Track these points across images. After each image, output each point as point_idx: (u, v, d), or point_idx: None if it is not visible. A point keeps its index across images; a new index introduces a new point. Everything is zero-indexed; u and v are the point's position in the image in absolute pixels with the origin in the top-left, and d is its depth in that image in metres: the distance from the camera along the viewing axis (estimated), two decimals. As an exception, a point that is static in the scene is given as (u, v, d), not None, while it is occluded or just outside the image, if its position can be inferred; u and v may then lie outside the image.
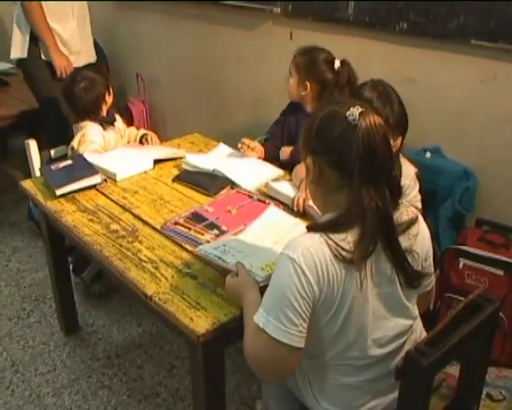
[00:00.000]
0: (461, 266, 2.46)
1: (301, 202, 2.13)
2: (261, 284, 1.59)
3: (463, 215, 2.63)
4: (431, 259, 1.56)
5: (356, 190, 1.35)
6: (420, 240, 1.49)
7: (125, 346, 2.76)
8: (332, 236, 1.34)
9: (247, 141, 2.66)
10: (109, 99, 2.86)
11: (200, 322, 1.59)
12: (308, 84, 2.57)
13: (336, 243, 1.33)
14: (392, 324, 1.47)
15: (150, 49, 4.28)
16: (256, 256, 1.73)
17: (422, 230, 1.51)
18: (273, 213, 2.11)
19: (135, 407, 2.41)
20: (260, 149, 2.69)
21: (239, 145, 2.68)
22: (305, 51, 2.62)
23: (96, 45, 4.35)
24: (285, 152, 2.69)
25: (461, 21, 2.48)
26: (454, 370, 1.66)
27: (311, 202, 2.10)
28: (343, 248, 1.33)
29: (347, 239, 1.34)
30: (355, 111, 1.34)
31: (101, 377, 2.57)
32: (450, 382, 1.68)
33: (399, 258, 1.41)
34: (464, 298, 1.52)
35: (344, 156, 1.35)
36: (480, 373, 1.62)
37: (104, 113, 2.85)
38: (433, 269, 1.59)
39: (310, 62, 2.59)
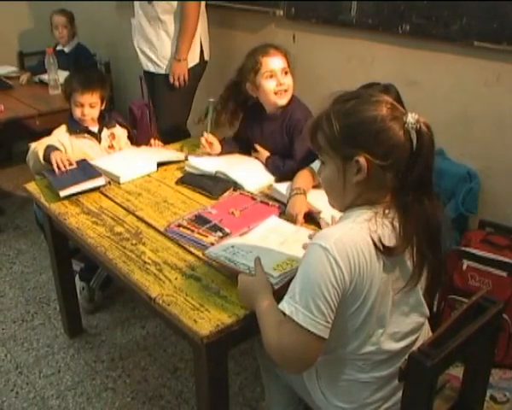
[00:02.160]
0: (464, 267, 2.46)
1: (301, 218, 2.09)
2: (276, 287, 1.60)
3: (466, 217, 2.62)
4: None
5: (406, 192, 1.37)
6: None
7: (129, 348, 2.76)
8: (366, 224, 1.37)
9: (210, 138, 2.68)
10: (83, 101, 2.77)
11: (203, 324, 1.59)
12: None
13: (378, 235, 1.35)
14: (408, 320, 1.49)
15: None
16: (266, 256, 1.73)
17: None
18: (274, 221, 2.10)
19: (139, 409, 2.42)
20: (218, 148, 2.71)
21: (202, 141, 2.69)
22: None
23: (84, 49, 4.41)
24: (261, 155, 2.65)
25: (464, 23, 2.48)
26: (458, 371, 1.66)
27: (322, 215, 2.09)
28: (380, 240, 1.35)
29: (377, 232, 1.36)
30: (414, 117, 1.36)
31: (105, 379, 2.58)
32: (454, 383, 1.68)
33: (438, 257, 1.44)
34: (468, 300, 1.52)
35: (403, 162, 1.36)
36: (483, 375, 1.62)
37: (79, 115, 2.78)
38: None
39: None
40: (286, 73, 2.51)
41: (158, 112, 3.57)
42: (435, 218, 1.41)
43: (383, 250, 1.35)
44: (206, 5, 3.42)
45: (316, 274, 1.33)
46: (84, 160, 2.59)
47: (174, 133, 3.23)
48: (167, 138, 3.10)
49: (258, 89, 2.55)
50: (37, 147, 2.61)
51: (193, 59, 3.36)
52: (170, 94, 3.39)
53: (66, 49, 4.34)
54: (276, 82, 2.50)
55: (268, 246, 1.86)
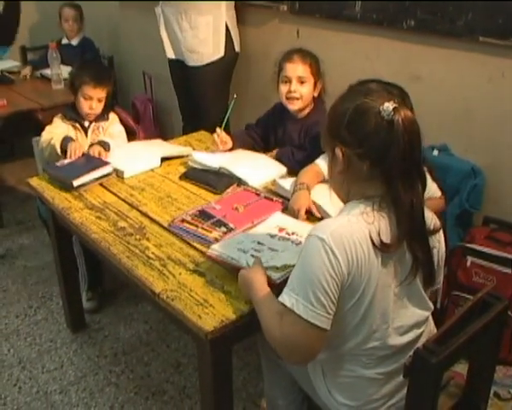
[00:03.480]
0: (468, 264, 2.45)
1: (303, 213, 2.10)
2: (277, 281, 1.62)
3: (471, 213, 2.62)
4: (441, 265, 1.59)
5: (390, 183, 1.37)
6: (442, 246, 1.54)
7: (132, 343, 2.76)
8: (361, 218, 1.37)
9: (222, 135, 2.67)
10: (93, 94, 2.79)
11: (208, 319, 1.59)
12: (319, 84, 2.60)
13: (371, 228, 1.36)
14: (409, 313, 1.49)
15: (157, 47, 4.28)
16: (271, 258, 1.75)
17: (441, 236, 1.55)
18: (278, 217, 2.10)
19: (142, 405, 2.41)
20: (230, 145, 2.70)
21: (215, 137, 2.67)
22: (309, 53, 2.60)
23: (90, 43, 4.42)
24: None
25: (469, 19, 2.47)
26: (462, 368, 1.66)
27: (323, 206, 2.09)
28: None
29: (374, 224, 1.36)
30: (389, 106, 1.34)
31: (108, 374, 2.58)
32: (458, 380, 1.68)
33: (425, 253, 1.43)
34: (472, 296, 1.52)
35: (377, 150, 1.36)
36: (488, 372, 1.61)
37: (86, 109, 2.80)
38: (442, 276, 1.62)
39: (317, 62, 2.60)
40: (302, 82, 2.54)
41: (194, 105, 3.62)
42: (420, 212, 1.41)
43: (380, 247, 1.36)
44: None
45: (313, 265, 1.34)
46: (84, 153, 2.61)
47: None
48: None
49: (278, 90, 2.62)
50: (54, 139, 2.67)
51: (217, 52, 3.38)
52: (203, 86, 3.46)
53: (74, 43, 4.34)
54: (288, 88, 2.55)
55: (271, 247, 1.86)
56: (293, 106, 2.58)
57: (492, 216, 2.59)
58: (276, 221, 2.05)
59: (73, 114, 2.84)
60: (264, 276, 1.59)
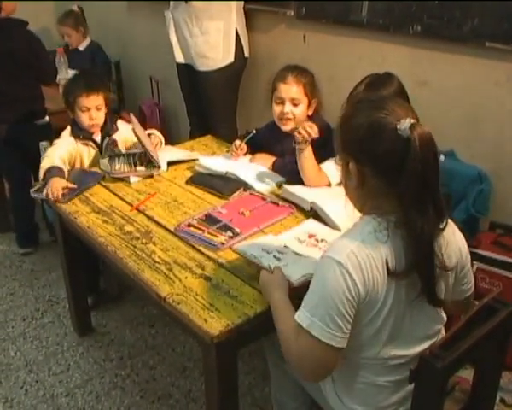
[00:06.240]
0: (474, 269, 2.44)
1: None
2: (295, 284, 1.63)
3: (477, 218, 2.61)
4: (468, 267, 1.57)
5: (403, 205, 1.33)
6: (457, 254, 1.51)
7: (138, 347, 2.77)
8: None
9: (238, 143, 2.66)
10: (89, 104, 2.68)
11: (213, 323, 1.60)
12: (314, 103, 2.56)
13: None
14: (422, 325, 1.48)
15: (164, 52, 4.30)
16: (294, 261, 1.77)
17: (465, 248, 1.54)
18: (312, 224, 2.09)
19: (147, 408, 2.42)
20: (245, 148, 2.69)
21: (233, 148, 2.66)
22: (304, 71, 2.56)
23: (98, 48, 4.42)
24: (264, 160, 2.64)
25: (475, 24, 2.47)
26: (467, 373, 1.66)
27: (329, 214, 2.09)
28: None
29: (388, 243, 1.35)
30: (406, 124, 1.29)
31: (114, 377, 2.58)
32: (464, 385, 1.68)
33: (428, 285, 1.39)
34: (477, 302, 1.52)
35: (393, 169, 1.31)
36: (493, 377, 1.61)
37: (87, 121, 2.69)
38: (472, 277, 1.60)
39: (312, 80, 2.56)
40: (295, 104, 2.51)
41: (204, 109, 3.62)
42: (429, 242, 1.36)
43: (391, 274, 1.34)
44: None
45: (331, 290, 1.33)
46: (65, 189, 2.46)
47: (222, 130, 3.34)
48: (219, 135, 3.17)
49: (271, 109, 2.59)
50: (44, 162, 2.55)
51: (227, 57, 3.39)
52: (212, 91, 3.46)
53: (81, 48, 4.34)
54: (281, 109, 2.53)
55: (296, 251, 1.86)
56: (286, 126, 2.54)
57: (499, 221, 2.58)
58: (308, 228, 2.05)
59: (80, 132, 2.72)
60: (284, 283, 1.60)
